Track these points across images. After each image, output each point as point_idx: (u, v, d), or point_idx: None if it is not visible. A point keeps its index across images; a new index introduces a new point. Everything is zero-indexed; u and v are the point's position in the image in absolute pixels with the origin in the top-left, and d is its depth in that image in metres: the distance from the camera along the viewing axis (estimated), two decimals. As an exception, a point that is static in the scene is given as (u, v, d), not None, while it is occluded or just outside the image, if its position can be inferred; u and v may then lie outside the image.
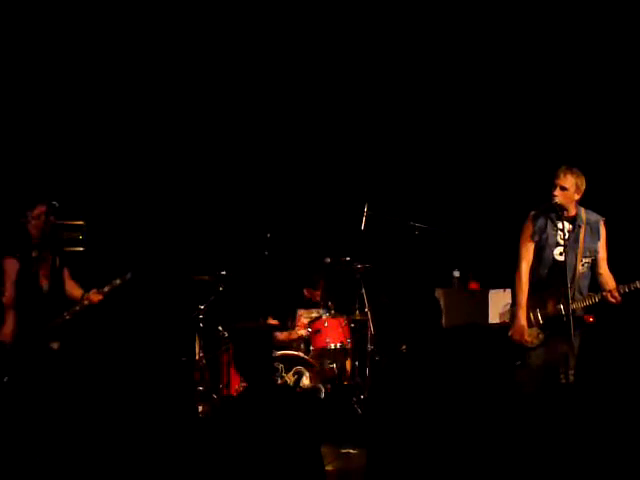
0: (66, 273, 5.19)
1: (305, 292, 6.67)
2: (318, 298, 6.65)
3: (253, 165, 7.22)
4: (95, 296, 5.16)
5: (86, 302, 5.14)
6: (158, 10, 6.60)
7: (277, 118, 7.20)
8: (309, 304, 6.61)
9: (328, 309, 6.39)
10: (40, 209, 5.04)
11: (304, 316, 6.51)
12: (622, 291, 4.59)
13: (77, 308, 5.12)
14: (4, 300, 4.98)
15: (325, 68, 7.03)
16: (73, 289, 5.22)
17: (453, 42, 6.84)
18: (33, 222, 5.02)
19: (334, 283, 6.76)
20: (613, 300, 4.60)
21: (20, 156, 6.50)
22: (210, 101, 7.08)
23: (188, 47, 6.82)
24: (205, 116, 7.10)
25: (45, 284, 5.03)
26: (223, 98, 7.08)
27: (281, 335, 6.40)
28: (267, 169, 7.24)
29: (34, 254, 4.99)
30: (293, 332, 6.38)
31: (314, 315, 6.45)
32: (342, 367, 6.31)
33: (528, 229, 4.82)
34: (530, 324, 4.79)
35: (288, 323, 6.51)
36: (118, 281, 5.23)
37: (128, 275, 5.25)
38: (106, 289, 5.20)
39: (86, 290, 5.19)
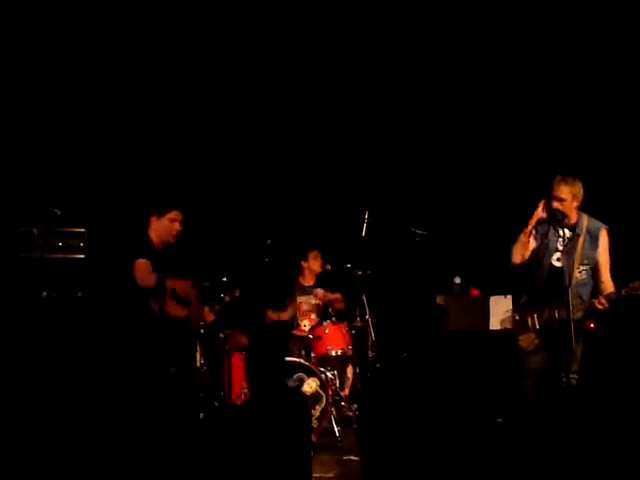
0: None
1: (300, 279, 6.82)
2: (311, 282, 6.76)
3: (254, 172, 7.25)
4: (209, 316, 5.21)
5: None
6: (158, 11, 6.58)
7: (279, 125, 7.23)
8: (304, 290, 6.69)
9: (329, 316, 6.39)
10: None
11: (304, 302, 6.60)
12: (615, 297, 4.57)
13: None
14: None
15: (327, 75, 7.06)
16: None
17: (453, 48, 6.87)
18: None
19: (335, 290, 6.78)
20: (600, 307, 4.58)
21: (22, 163, 6.51)
22: (212, 109, 7.10)
23: (190, 54, 6.83)
24: (207, 124, 7.13)
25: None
26: (225, 105, 7.11)
27: (283, 315, 6.63)
28: (268, 176, 7.27)
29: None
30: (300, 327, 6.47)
31: (313, 302, 6.58)
32: (343, 374, 6.32)
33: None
34: (527, 329, 4.82)
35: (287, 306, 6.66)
36: (227, 298, 5.29)
37: (236, 292, 5.32)
38: (217, 307, 5.24)
39: None
